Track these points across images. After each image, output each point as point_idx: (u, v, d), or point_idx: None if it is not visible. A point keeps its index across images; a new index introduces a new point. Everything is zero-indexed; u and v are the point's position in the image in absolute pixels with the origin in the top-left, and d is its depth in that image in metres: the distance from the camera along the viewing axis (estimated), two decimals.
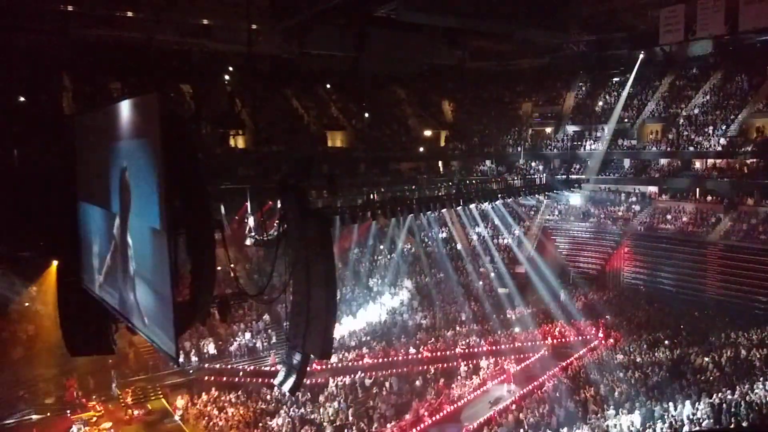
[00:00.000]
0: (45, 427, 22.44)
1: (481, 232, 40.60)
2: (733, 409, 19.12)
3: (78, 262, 11.63)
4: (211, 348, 28.03)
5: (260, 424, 22.26)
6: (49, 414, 23.28)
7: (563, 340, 29.61)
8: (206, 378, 26.20)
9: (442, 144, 50.33)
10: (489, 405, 23.96)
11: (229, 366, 27.37)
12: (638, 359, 25.49)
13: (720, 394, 20.42)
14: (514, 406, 22.98)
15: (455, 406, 23.81)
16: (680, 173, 39.56)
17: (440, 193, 33.15)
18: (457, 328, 31.20)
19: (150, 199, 7.91)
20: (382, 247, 38.00)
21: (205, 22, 38.38)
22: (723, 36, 39.31)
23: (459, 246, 39.68)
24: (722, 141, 37.50)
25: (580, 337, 29.53)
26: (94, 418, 22.97)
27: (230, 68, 42.04)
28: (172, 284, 7.32)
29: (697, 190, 38.07)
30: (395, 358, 27.94)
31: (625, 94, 44.56)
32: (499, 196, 33.27)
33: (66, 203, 11.63)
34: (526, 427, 21.07)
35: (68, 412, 23.31)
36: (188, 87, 39.56)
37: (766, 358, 23.27)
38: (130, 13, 34.62)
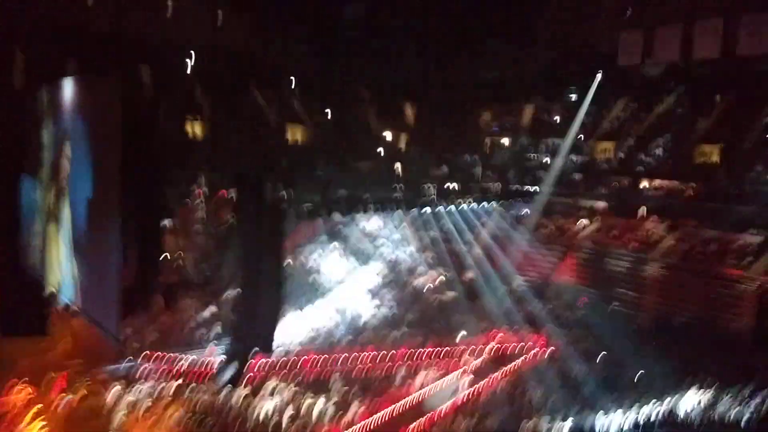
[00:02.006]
0: None
1: (433, 235, 41.06)
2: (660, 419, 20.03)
3: (17, 240, 11.34)
4: (152, 335, 27.53)
5: (197, 416, 21.99)
6: None
7: (505, 346, 30.19)
8: (146, 365, 25.72)
9: (402, 147, 50.65)
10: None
11: (170, 354, 26.92)
12: (575, 368, 26.28)
13: (649, 406, 21.31)
14: (451, 413, 23.34)
15: (397, 406, 24.05)
16: (628, 191, 40.85)
17: (396, 195, 33.40)
18: (404, 328, 31.44)
19: (102, 181, 7.83)
20: (334, 244, 37.95)
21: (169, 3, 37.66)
22: (677, 62, 40.88)
23: (411, 248, 39.97)
24: (670, 162, 38.92)
25: (521, 345, 30.19)
26: (24, 402, 22.30)
27: (192, 53, 41.35)
28: (118, 267, 7.26)
29: (644, 208, 39.40)
30: (338, 357, 27.96)
31: (582, 111, 45.70)
32: (455, 201, 33.63)
33: (7, 180, 11.31)
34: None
35: None
36: (147, 72, 38.66)
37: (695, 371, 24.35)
38: None
